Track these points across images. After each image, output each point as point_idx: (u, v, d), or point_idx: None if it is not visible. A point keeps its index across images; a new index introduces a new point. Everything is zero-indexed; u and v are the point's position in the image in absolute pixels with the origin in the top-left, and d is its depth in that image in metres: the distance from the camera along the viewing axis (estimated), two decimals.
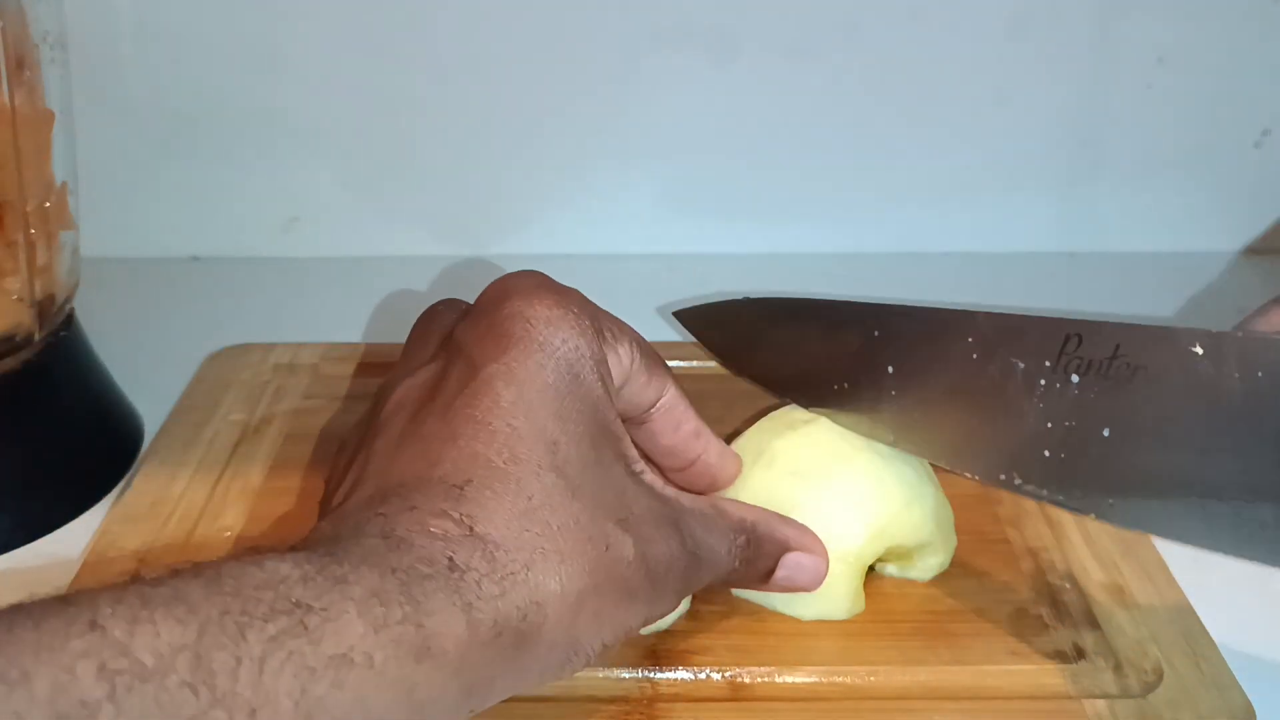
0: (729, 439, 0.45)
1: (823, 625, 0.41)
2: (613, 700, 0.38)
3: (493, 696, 0.31)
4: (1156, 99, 0.68)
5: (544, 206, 0.71)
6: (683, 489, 0.38)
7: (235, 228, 0.70)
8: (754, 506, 0.40)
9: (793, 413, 0.44)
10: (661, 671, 0.39)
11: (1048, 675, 0.39)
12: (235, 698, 0.25)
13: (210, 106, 0.67)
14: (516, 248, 0.71)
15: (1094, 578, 0.43)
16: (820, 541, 0.40)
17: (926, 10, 0.66)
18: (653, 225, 0.71)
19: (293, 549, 0.29)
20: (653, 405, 0.39)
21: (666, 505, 0.35)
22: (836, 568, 0.40)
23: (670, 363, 0.55)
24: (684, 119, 0.68)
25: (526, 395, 0.33)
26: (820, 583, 0.40)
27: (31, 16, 0.46)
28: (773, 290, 0.69)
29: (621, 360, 0.37)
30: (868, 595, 0.42)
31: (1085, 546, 0.44)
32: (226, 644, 0.25)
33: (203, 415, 0.52)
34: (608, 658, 0.34)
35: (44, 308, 0.48)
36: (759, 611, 0.41)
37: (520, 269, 0.37)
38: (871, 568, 0.42)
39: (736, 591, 0.42)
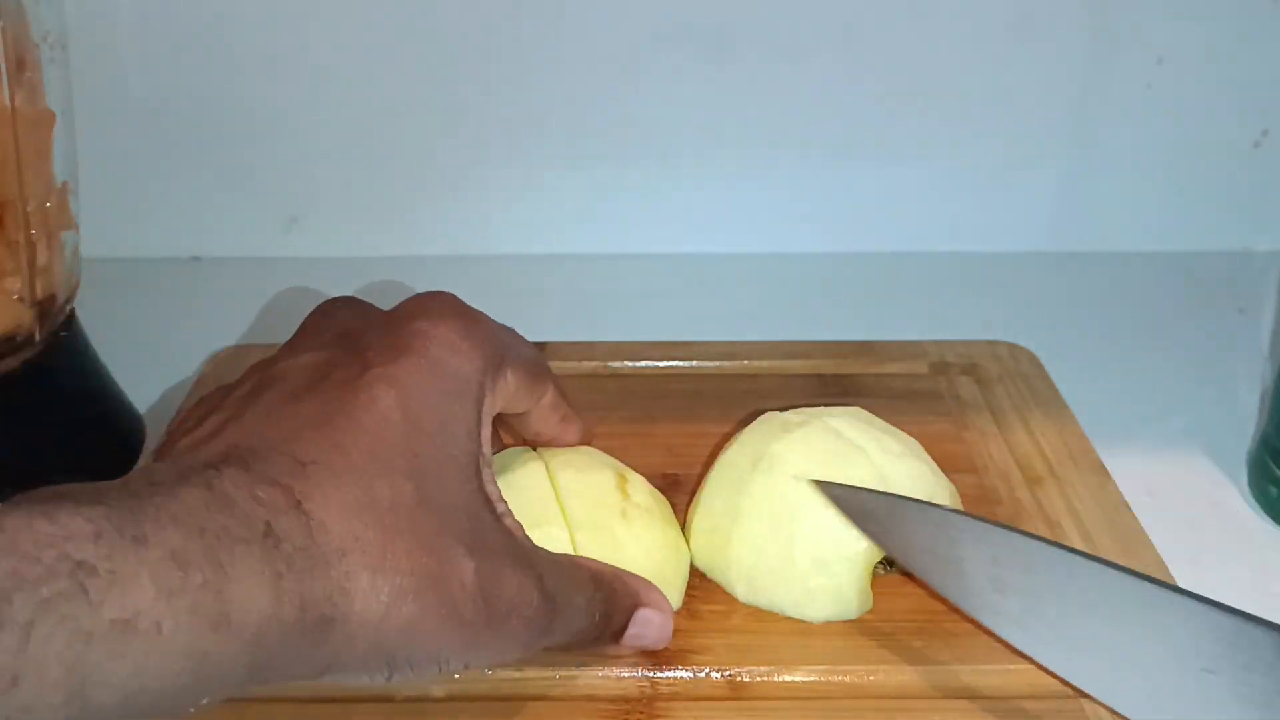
0: (725, 441, 0.46)
1: (822, 624, 0.41)
2: (613, 700, 0.38)
3: (285, 678, 0.30)
4: (1156, 99, 0.68)
5: (543, 206, 0.71)
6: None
7: (235, 228, 0.70)
8: (604, 563, 0.39)
9: (784, 414, 0.44)
10: (661, 671, 0.39)
11: (1048, 675, 0.39)
12: None
13: (210, 106, 0.67)
14: (516, 247, 0.71)
15: None
16: (666, 599, 0.39)
17: (926, 10, 0.66)
18: (652, 225, 0.71)
19: (102, 495, 0.27)
20: (531, 407, 0.41)
21: (523, 550, 0.35)
22: (845, 570, 0.40)
23: (670, 362, 0.55)
24: (683, 119, 0.68)
25: (404, 403, 0.33)
26: (667, 640, 0.39)
27: (31, 16, 0.46)
28: (770, 290, 0.69)
29: (508, 384, 0.38)
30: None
31: (1084, 546, 0.44)
32: None
33: None
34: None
35: (44, 308, 0.48)
36: (758, 611, 0.41)
37: (431, 290, 0.38)
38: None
39: (748, 597, 0.41)
